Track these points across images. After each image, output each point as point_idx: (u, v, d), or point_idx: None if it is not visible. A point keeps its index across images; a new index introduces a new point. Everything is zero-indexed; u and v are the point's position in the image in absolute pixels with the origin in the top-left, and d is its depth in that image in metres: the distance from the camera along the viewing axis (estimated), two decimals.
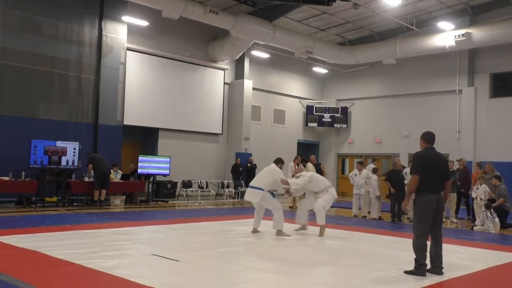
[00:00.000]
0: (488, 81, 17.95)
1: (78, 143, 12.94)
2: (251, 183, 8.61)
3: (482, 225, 10.41)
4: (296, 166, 13.61)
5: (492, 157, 16.17)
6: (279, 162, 8.84)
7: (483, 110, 17.87)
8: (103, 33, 14.51)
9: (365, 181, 12.36)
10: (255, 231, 8.64)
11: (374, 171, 12.64)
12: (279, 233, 8.36)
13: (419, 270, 5.57)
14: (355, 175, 12.70)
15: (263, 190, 8.30)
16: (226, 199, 16.64)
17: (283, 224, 8.46)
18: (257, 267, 5.90)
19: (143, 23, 15.26)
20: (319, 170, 14.10)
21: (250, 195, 8.48)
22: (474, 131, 17.90)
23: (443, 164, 5.85)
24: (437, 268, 5.67)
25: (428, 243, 5.68)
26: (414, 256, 5.63)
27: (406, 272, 5.62)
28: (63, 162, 12.58)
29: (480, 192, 10.98)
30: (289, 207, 14.09)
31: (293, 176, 10.34)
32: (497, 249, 7.92)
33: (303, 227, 9.01)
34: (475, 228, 10.54)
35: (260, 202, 8.39)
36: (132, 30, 15.46)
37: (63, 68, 13.76)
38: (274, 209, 8.43)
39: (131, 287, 4.72)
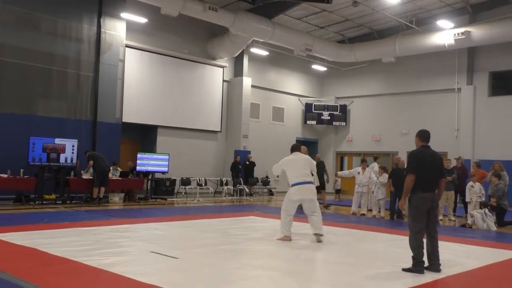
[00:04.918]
0: (487, 80, 17.97)
1: (76, 140, 12.93)
2: (302, 178, 7.47)
3: (472, 226, 10.44)
4: None
5: (490, 155, 16.22)
6: (298, 149, 7.91)
7: (482, 108, 17.89)
8: (102, 30, 14.47)
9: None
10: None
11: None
12: (319, 237, 7.59)
13: (416, 267, 5.60)
14: (358, 173, 12.73)
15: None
16: (225, 196, 16.65)
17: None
18: (255, 264, 5.91)
19: (142, 20, 15.24)
20: (322, 169, 14.07)
21: (311, 191, 7.52)
22: (472, 129, 17.92)
23: (438, 163, 5.89)
24: (434, 265, 5.70)
25: (424, 240, 5.71)
26: (412, 254, 5.66)
27: (404, 270, 5.65)
28: (62, 160, 12.57)
29: (477, 190, 11.01)
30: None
31: None
32: (495, 247, 7.96)
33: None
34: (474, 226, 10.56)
35: (313, 200, 7.53)
36: (131, 27, 15.44)
37: (61, 65, 13.73)
38: (318, 210, 7.62)
39: (130, 284, 4.72)
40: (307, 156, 7.97)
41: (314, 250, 7.22)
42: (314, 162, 7.93)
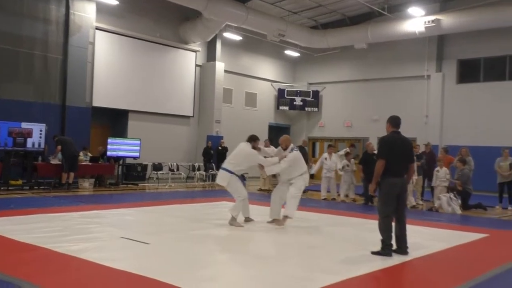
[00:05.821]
0: (455, 67, 18.38)
1: (44, 124, 12.59)
2: (223, 165, 7.91)
3: (438, 210, 10.77)
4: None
5: (457, 141, 16.66)
6: (253, 140, 7.90)
7: (450, 95, 18.32)
8: (71, 11, 14.03)
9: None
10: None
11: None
12: (232, 221, 7.61)
13: (385, 250, 5.75)
14: (325, 158, 12.88)
15: (232, 173, 7.63)
16: (197, 182, 16.61)
17: (238, 213, 7.74)
18: (227, 248, 5.95)
19: (113, 1, 14.84)
20: (305, 155, 14.08)
21: (219, 177, 7.76)
22: (441, 115, 18.36)
23: (408, 148, 6.03)
24: (402, 249, 5.86)
25: (393, 224, 5.86)
26: (381, 237, 5.80)
27: (373, 253, 5.79)
28: (29, 144, 12.24)
29: (441, 175, 11.33)
30: (258, 190, 14.21)
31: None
32: (459, 230, 8.23)
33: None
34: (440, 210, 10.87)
35: (227, 186, 7.68)
36: (101, 9, 15.02)
37: (28, 46, 13.27)
38: (237, 198, 7.68)
39: (100, 270, 4.68)
40: (246, 149, 7.84)
41: (285, 234, 7.31)
42: (249, 155, 7.77)
